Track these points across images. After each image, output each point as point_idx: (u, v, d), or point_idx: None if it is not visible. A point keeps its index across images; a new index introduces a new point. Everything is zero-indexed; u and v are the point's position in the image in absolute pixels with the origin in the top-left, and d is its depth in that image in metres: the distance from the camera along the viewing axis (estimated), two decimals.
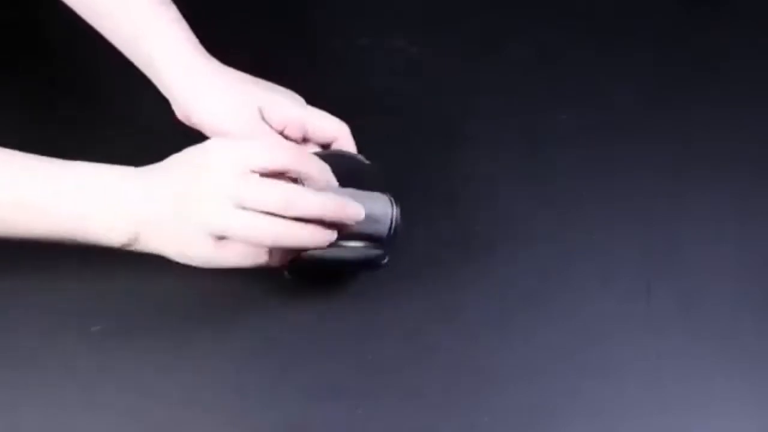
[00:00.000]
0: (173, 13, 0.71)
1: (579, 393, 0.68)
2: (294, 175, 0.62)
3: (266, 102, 0.69)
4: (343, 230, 0.64)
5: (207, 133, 0.69)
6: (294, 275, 0.67)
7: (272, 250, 0.65)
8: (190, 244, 0.63)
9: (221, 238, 0.63)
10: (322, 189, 0.63)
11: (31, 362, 0.69)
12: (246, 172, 0.61)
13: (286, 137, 0.70)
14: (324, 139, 0.70)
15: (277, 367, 0.69)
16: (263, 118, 0.70)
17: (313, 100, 0.73)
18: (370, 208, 0.65)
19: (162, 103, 0.75)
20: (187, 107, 0.69)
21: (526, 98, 0.83)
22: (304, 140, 0.71)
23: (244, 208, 0.61)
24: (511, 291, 0.72)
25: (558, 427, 0.67)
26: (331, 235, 0.63)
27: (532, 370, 0.68)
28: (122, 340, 0.70)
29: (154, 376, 0.69)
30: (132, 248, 0.65)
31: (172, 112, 0.74)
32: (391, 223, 0.66)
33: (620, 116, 0.82)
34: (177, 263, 0.67)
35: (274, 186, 0.61)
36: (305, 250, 0.64)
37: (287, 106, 0.69)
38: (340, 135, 0.70)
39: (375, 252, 0.66)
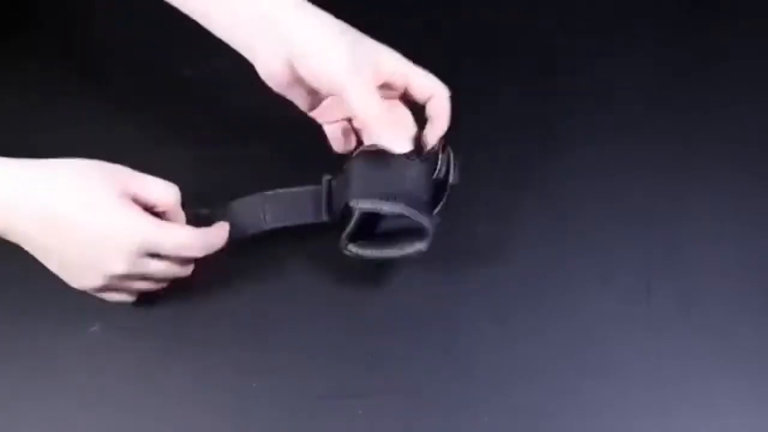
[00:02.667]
0: None
1: (579, 393, 0.68)
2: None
3: (380, 59, 0.67)
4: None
5: (318, 84, 0.66)
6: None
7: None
8: (71, 276, 0.66)
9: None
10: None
11: (32, 362, 0.69)
12: (147, 253, 0.65)
13: (390, 88, 0.68)
14: (422, 97, 0.69)
15: (277, 367, 0.69)
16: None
17: None
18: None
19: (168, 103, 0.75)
20: (299, 54, 0.65)
21: (526, 98, 0.83)
22: (404, 94, 0.69)
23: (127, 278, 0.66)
24: (511, 291, 0.72)
25: (558, 427, 0.67)
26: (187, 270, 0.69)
27: (532, 370, 0.68)
28: (122, 340, 0.70)
29: (153, 375, 0.69)
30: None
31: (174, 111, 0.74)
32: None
33: (620, 116, 0.82)
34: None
35: (156, 267, 0.66)
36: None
37: (396, 63, 0.68)
38: (437, 94, 0.69)
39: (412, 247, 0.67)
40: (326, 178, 0.70)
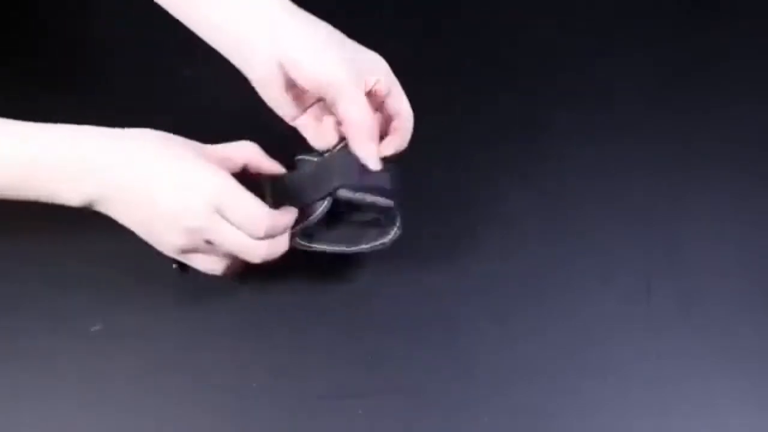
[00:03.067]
0: None
1: (579, 393, 0.68)
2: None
3: (368, 65, 0.67)
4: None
5: (308, 84, 0.66)
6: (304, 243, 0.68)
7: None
8: (158, 239, 0.65)
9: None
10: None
11: (32, 362, 0.69)
12: (219, 212, 0.63)
13: (372, 96, 0.68)
14: (393, 110, 0.69)
15: (277, 367, 0.69)
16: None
17: None
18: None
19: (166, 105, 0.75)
20: (292, 56, 0.65)
21: (526, 98, 0.83)
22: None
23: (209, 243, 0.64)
24: (511, 291, 0.72)
25: (558, 427, 0.67)
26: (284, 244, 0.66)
27: (532, 370, 0.69)
28: (123, 340, 0.70)
29: (154, 376, 0.69)
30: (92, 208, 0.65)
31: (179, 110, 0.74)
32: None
33: (620, 116, 0.82)
34: (177, 263, 0.67)
35: (227, 231, 0.64)
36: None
37: (382, 71, 0.68)
38: (406, 112, 0.69)
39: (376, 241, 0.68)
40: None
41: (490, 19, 0.88)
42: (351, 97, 0.65)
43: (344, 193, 0.66)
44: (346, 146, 0.67)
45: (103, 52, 0.85)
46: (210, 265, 0.66)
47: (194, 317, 0.71)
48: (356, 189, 0.66)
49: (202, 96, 0.82)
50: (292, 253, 0.67)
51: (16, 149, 0.62)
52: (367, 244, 0.68)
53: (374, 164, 0.66)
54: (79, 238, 0.71)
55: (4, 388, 0.68)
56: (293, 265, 0.70)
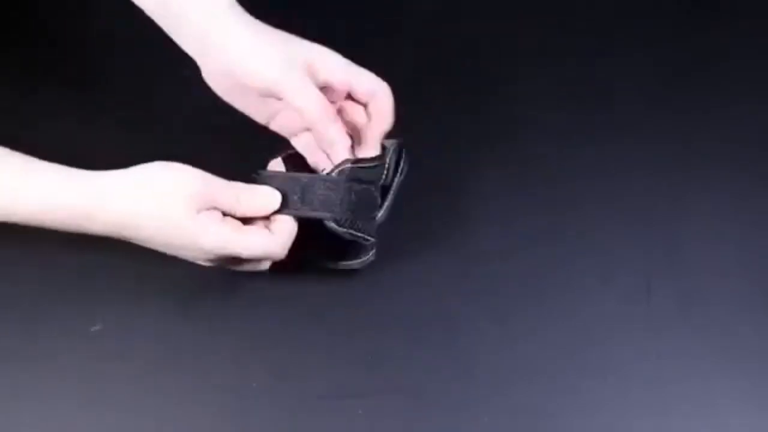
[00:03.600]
0: None
1: (579, 393, 0.68)
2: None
3: (314, 57, 0.68)
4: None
5: (254, 84, 0.67)
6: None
7: None
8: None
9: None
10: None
11: (32, 362, 0.69)
12: (219, 260, 0.66)
13: (332, 92, 0.69)
14: (365, 96, 0.69)
15: (278, 367, 0.69)
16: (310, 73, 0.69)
17: None
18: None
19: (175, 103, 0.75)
20: (235, 59, 0.67)
21: (525, 98, 0.83)
22: (348, 96, 0.70)
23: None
24: (511, 291, 0.72)
25: (558, 427, 0.67)
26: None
27: (532, 370, 0.69)
28: (123, 340, 0.70)
29: (154, 376, 0.69)
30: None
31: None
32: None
33: (620, 116, 0.82)
34: (177, 264, 0.67)
35: (241, 267, 0.67)
36: None
37: (333, 63, 0.69)
38: (380, 91, 0.69)
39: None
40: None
41: (490, 18, 0.88)
42: (297, 88, 0.66)
43: (331, 226, 0.67)
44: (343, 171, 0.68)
45: (103, 53, 0.85)
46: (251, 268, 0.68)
47: (194, 317, 0.71)
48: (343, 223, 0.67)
49: (202, 96, 0.81)
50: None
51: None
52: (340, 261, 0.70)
53: (342, 144, 0.68)
54: (79, 239, 0.71)
55: (4, 388, 0.68)
56: (293, 266, 0.70)
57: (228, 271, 0.69)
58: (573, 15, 0.88)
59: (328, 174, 0.68)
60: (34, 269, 0.72)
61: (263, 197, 0.67)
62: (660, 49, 0.86)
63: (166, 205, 0.63)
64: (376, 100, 0.69)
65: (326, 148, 0.70)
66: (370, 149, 0.70)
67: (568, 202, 0.77)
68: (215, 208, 0.64)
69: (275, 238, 0.66)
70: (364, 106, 0.70)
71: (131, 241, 0.65)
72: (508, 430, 0.66)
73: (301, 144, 0.72)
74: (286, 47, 0.67)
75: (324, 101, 0.67)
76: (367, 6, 0.88)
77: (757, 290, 0.72)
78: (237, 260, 0.66)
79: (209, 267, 0.67)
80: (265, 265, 0.68)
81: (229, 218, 0.65)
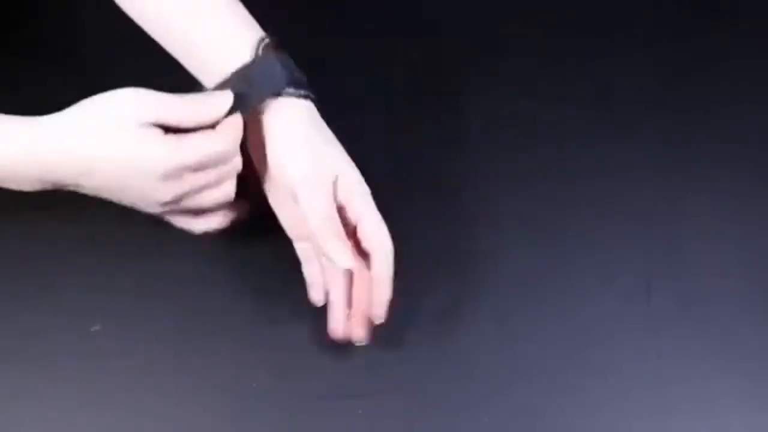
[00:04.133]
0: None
1: (579, 393, 0.68)
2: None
3: (341, 173, 0.67)
4: None
5: (277, 177, 0.67)
6: None
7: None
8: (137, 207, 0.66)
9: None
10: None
11: (32, 362, 0.69)
12: (174, 180, 0.63)
13: (339, 214, 0.67)
14: (367, 243, 0.67)
15: (278, 367, 0.69)
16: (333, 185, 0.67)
17: None
18: None
19: None
20: (276, 156, 0.67)
21: (525, 98, 0.83)
22: (347, 225, 0.67)
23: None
24: (511, 291, 0.72)
25: (558, 427, 0.67)
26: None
27: (532, 370, 0.69)
28: (123, 340, 0.70)
29: (154, 376, 0.69)
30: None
31: None
32: None
33: (620, 116, 0.82)
34: (177, 264, 0.67)
35: (196, 180, 0.64)
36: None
37: (354, 188, 0.67)
38: (380, 248, 0.66)
39: None
40: None
41: (489, 18, 0.88)
42: (310, 190, 0.65)
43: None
44: None
45: (104, 52, 0.85)
46: (208, 225, 0.67)
47: (194, 317, 0.71)
48: None
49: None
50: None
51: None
52: None
53: (343, 262, 0.65)
54: (79, 238, 0.71)
55: (4, 388, 0.68)
56: (294, 265, 0.70)
57: (228, 272, 0.69)
58: (573, 15, 0.88)
59: None
60: (35, 269, 0.72)
61: (213, 97, 0.65)
62: (660, 49, 0.86)
63: (107, 129, 0.63)
64: (376, 260, 0.67)
65: (324, 261, 0.68)
66: (376, 313, 0.67)
67: (568, 202, 0.77)
68: (159, 126, 0.63)
69: (221, 135, 0.64)
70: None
71: (88, 191, 0.64)
72: (508, 430, 0.66)
73: (299, 248, 0.70)
74: (319, 150, 0.66)
75: (329, 214, 0.65)
76: (367, 6, 0.88)
77: (757, 290, 0.72)
78: (195, 193, 0.64)
79: (168, 221, 0.66)
80: (225, 192, 0.66)
81: (170, 134, 0.63)
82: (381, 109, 0.82)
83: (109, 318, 0.70)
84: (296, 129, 0.67)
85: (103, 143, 0.63)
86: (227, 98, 0.65)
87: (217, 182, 0.65)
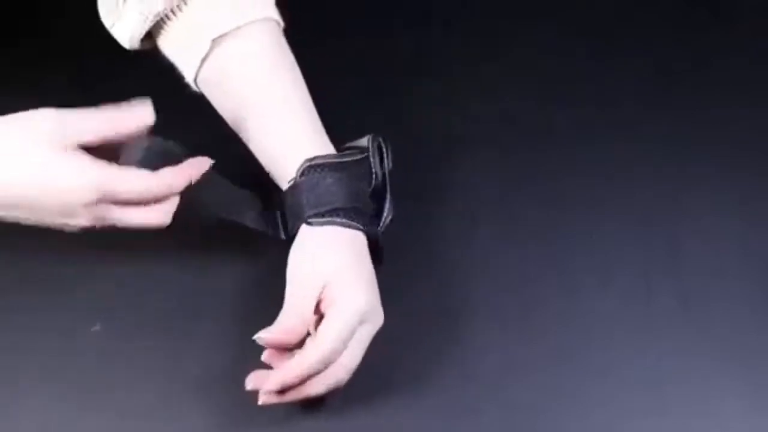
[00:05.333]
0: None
1: (579, 393, 0.68)
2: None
3: (332, 285, 0.65)
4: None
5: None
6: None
7: None
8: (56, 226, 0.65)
9: None
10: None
11: (31, 362, 0.69)
12: (98, 206, 0.62)
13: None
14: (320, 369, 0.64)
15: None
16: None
17: None
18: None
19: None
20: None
21: (525, 98, 0.83)
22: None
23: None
24: (510, 291, 0.72)
25: (558, 427, 0.67)
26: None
27: (532, 370, 0.68)
28: (122, 340, 0.70)
29: (154, 376, 0.69)
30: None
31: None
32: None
33: (620, 116, 0.82)
34: (177, 264, 0.67)
35: (120, 215, 0.63)
36: None
37: (343, 310, 0.64)
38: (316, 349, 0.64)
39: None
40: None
41: (489, 18, 0.88)
42: (289, 299, 0.66)
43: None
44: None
45: (103, 53, 0.85)
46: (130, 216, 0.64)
47: (194, 317, 0.71)
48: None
49: (202, 96, 0.82)
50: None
51: None
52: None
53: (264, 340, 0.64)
54: (79, 239, 0.71)
55: (4, 388, 0.68)
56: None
57: (228, 273, 0.69)
58: (573, 15, 0.89)
59: None
60: (35, 269, 0.72)
61: (134, 109, 0.64)
62: (660, 49, 0.86)
63: (30, 153, 0.61)
64: (308, 348, 0.65)
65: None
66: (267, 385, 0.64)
67: (568, 202, 0.77)
68: (82, 147, 0.62)
69: (157, 174, 0.63)
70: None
71: (26, 219, 0.63)
72: (508, 430, 0.66)
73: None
74: (316, 263, 0.66)
75: (293, 328, 0.64)
76: (366, 5, 0.88)
77: (757, 290, 0.72)
78: (114, 211, 0.63)
79: (84, 233, 0.64)
80: (141, 218, 0.64)
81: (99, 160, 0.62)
82: (380, 108, 0.82)
83: (110, 318, 0.70)
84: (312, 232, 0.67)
85: (17, 168, 0.61)
86: (148, 110, 0.64)
87: (137, 224, 0.64)
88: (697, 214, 0.76)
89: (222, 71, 0.71)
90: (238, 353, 0.69)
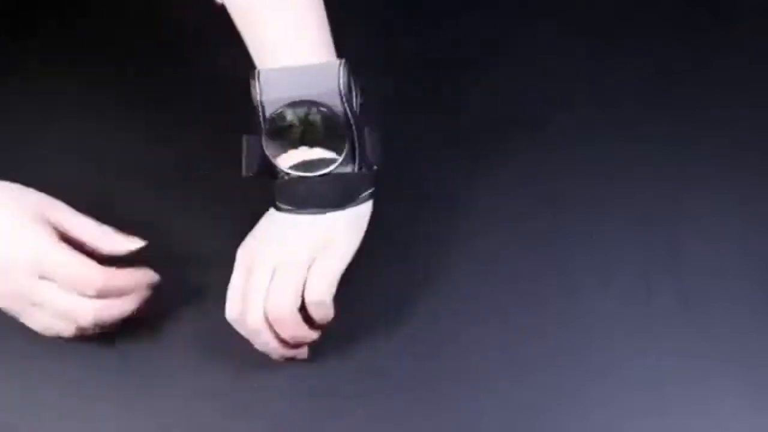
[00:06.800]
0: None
1: (579, 393, 0.68)
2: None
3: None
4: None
5: None
6: None
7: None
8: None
9: None
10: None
11: (30, 363, 0.69)
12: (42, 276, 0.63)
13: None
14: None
15: (277, 366, 0.69)
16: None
17: None
18: None
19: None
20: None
21: (525, 98, 0.83)
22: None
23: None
24: (510, 290, 0.72)
25: (557, 426, 0.67)
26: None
27: (532, 370, 0.68)
28: (123, 341, 0.70)
29: (154, 376, 0.69)
30: None
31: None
32: None
33: (620, 116, 0.82)
34: (177, 265, 0.67)
35: (50, 293, 0.64)
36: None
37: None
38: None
39: None
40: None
41: (489, 18, 0.88)
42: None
43: None
44: None
45: (103, 52, 0.85)
46: (47, 322, 0.66)
47: (194, 318, 0.71)
48: None
49: (203, 96, 0.82)
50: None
51: None
52: None
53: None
54: None
55: (4, 388, 0.68)
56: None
57: (227, 272, 0.69)
58: (573, 15, 0.88)
59: None
60: None
61: (118, 239, 0.66)
62: (660, 49, 0.86)
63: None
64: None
65: None
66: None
67: (568, 202, 0.77)
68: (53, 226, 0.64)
69: (104, 270, 0.64)
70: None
71: None
72: (508, 429, 0.66)
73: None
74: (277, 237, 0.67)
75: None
76: (366, 5, 0.88)
77: (757, 290, 0.72)
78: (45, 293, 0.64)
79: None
80: (62, 325, 0.65)
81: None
82: (380, 108, 0.82)
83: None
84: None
85: None
86: (129, 245, 0.66)
87: (62, 310, 0.65)
88: (697, 214, 0.76)
89: None
90: (237, 352, 0.69)
